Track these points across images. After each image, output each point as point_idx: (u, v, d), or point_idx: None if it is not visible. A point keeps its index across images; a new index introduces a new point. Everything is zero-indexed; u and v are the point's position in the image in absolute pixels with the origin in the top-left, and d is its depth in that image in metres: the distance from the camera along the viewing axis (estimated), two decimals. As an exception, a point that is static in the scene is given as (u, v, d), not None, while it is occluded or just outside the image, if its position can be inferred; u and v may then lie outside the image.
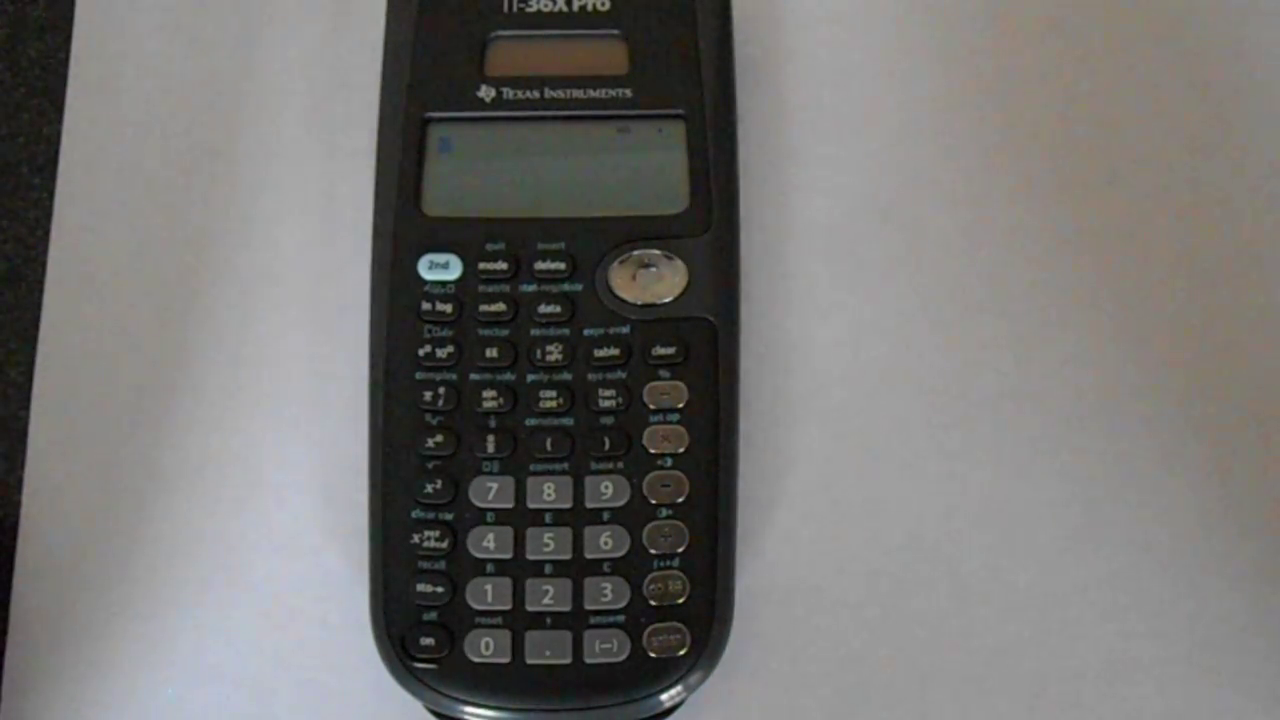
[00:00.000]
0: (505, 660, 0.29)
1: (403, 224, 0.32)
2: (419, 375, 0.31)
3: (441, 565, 0.30)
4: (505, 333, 0.31)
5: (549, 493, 0.30)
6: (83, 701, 0.31)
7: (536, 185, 0.32)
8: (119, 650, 0.32)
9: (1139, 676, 0.32)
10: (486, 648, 0.29)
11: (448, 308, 0.31)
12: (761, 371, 0.34)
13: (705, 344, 0.31)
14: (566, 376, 0.31)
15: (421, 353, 0.31)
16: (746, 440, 0.31)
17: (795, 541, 0.33)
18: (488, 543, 0.30)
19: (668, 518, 0.30)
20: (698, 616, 0.29)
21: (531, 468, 0.30)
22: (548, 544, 0.30)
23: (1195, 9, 0.37)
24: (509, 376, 0.31)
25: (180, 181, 0.36)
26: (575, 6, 0.34)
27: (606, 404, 0.30)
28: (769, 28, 0.37)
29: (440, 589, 0.29)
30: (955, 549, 0.32)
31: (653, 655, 0.29)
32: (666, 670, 0.29)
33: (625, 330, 0.31)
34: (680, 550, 0.30)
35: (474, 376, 0.31)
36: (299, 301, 0.35)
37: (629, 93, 0.33)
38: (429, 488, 0.30)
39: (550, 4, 0.34)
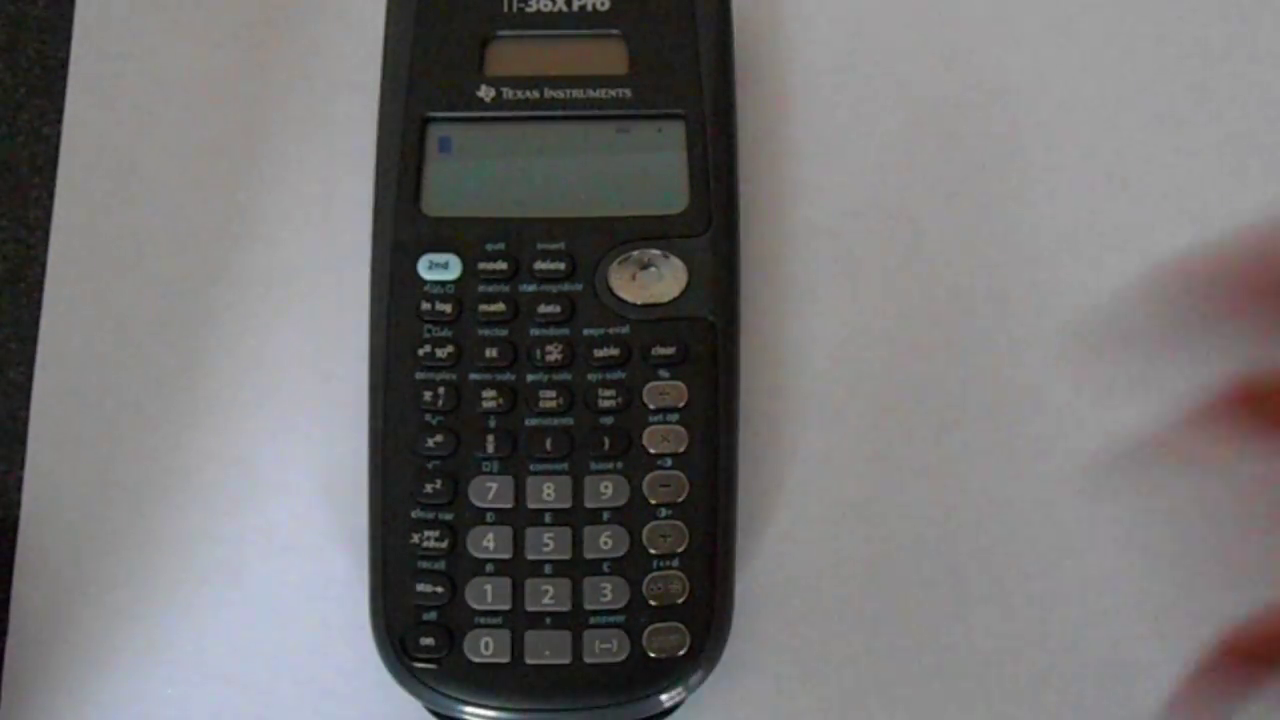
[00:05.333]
0: (505, 660, 0.29)
1: (403, 224, 0.32)
2: (419, 375, 0.31)
3: (441, 565, 0.30)
4: (505, 333, 0.31)
5: (549, 493, 0.30)
6: (83, 701, 0.31)
7: (536, 185, 0.32)
8: (119, 650, 0.32)
9: (1139, 676, 0.32)
10: (486, 648, 0.29)
11: (447, 308, 0.31)
12: (761, 371, 0.34)
13: (705, 344, 0.31)
14: (566, 376, 0.31)
15: (421, 353, 0.31)
16: (746, 440, 0.31)
17: (795, 541, 0.33)
18: (487, 543, 0.30)
19: (667, 518, 0.30)
20: (698, 616, 0.29)
21: (531, 468, 0.30)
22: (547, 544, 0.30)
23: (1196, 9, 0.37)
24: (509, 376, 0.31)
25: (180, 181, 0.36)
26: (575, 6, 0.34)
27: (606, 404, 0.30)
28: (769, 28, 0.37)
29: (440, 589, 0.29)
30: (955, 549, 0.33)
31: (653, 655, 0.29)
32: (666, 670, 0.29)
33: (625, 330, 0.31)
34: (680, 550, 0.30)
35: (474, 376, 0.31)
36: (299, 301, 0.35)
37: (629, 93, 0.33)
38: (429, 488, 0.30)
39: (550, 4, 0.34)
